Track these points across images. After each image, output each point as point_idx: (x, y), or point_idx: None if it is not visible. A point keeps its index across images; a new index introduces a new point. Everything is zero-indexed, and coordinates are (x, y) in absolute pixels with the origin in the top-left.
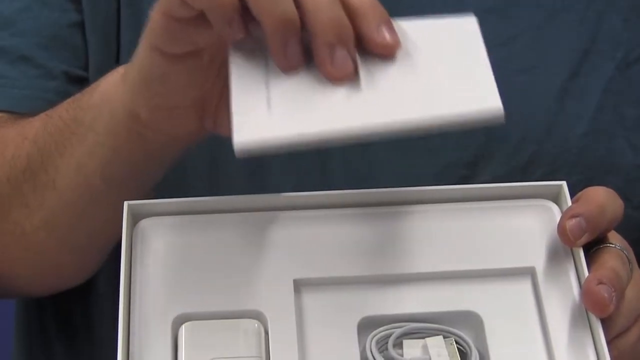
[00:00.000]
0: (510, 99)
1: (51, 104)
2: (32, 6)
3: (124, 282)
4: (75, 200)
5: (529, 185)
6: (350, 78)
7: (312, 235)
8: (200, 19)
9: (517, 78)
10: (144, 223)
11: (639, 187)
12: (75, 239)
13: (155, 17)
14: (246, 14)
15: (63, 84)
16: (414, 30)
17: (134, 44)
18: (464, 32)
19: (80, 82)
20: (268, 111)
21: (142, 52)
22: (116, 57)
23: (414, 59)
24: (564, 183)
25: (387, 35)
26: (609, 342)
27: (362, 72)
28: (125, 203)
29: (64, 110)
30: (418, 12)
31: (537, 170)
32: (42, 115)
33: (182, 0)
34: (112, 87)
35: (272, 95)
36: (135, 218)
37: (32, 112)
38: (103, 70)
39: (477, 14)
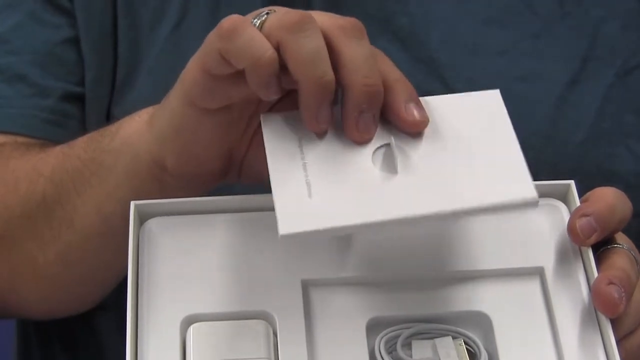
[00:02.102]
0: (510, 107)
1: (47, 122)
2: (25, 23)
3: (131, 283)
4: (93, 238)
5: (536, 185)
6: (370, 140)
7: None
8: (238, 76)
9: (516, 86)
10: (151, 223)
11: (639, 195)
12: (87, 272)
13: (192, 71)
14: (281, 75)
15: (58, 102)
16: (440, 106)
17: (131, 55)
18: (489, 106)
19: (76, 99)
20: (309, 198)
21: (175, 104)
22: (113, 69)
23: (443, 139)
24: (572, 182)
25: (415, 113)
26: (617, 343)
27: (398, 154)
28: (132, 203)
29: (82, 150)
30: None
31: (536, 177)
32: (57, 151)
33: (222, 57)
34: (135, 132)
35: (310, 173)
36: (142, 218)
37: (29, 133)
38: (100, 84)
39: (475, 24)
